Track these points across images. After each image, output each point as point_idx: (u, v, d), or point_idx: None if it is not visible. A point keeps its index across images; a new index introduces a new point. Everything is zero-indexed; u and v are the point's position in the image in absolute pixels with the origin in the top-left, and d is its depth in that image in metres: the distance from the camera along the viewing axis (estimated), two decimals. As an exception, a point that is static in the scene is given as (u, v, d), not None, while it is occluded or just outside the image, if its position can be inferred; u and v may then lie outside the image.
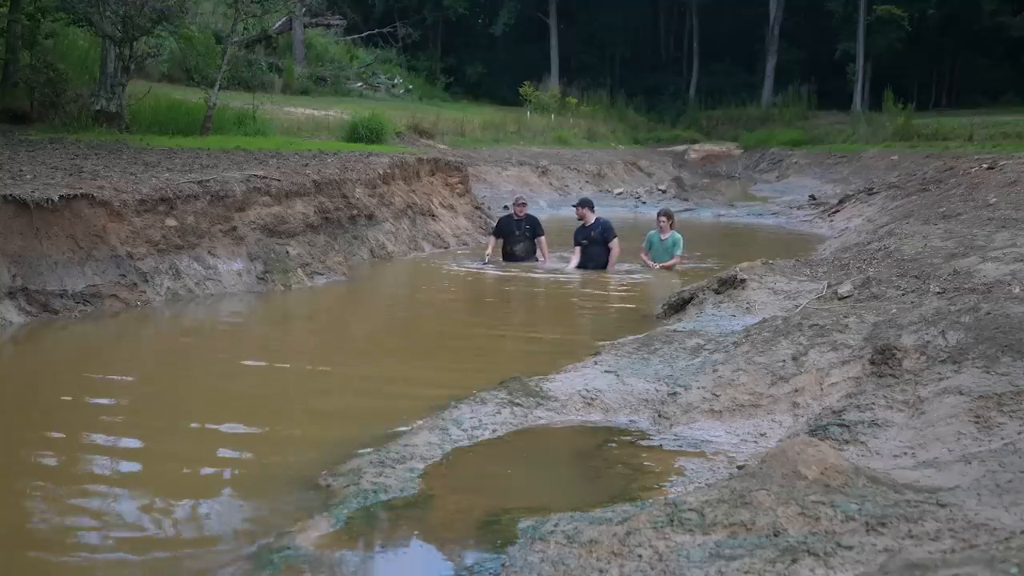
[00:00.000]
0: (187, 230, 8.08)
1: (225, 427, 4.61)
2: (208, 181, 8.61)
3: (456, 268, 10.11)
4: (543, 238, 10.33)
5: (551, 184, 20.09)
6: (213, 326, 7.32)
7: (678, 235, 10.09)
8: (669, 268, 9.86)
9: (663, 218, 10.13)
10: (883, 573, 2.08)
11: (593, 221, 10.02)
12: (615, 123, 31.67)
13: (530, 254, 10.26)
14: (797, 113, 32.73)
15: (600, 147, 26.63)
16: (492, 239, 10.52)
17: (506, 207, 16.31)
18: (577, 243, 10.02)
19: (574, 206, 10.48)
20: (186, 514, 3.54)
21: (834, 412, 4.04)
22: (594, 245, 9.91)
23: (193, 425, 4.63)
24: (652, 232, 10.24)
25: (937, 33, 33.33)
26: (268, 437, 4.52)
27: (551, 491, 3.74)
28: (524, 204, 10.56)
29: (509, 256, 10.31)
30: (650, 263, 9.99)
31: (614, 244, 9.92)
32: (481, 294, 9.14)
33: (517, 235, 10.27)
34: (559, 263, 10.23)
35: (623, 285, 9.29)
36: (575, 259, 9.95)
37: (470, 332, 7.46)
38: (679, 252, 10.02)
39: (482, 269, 9.91)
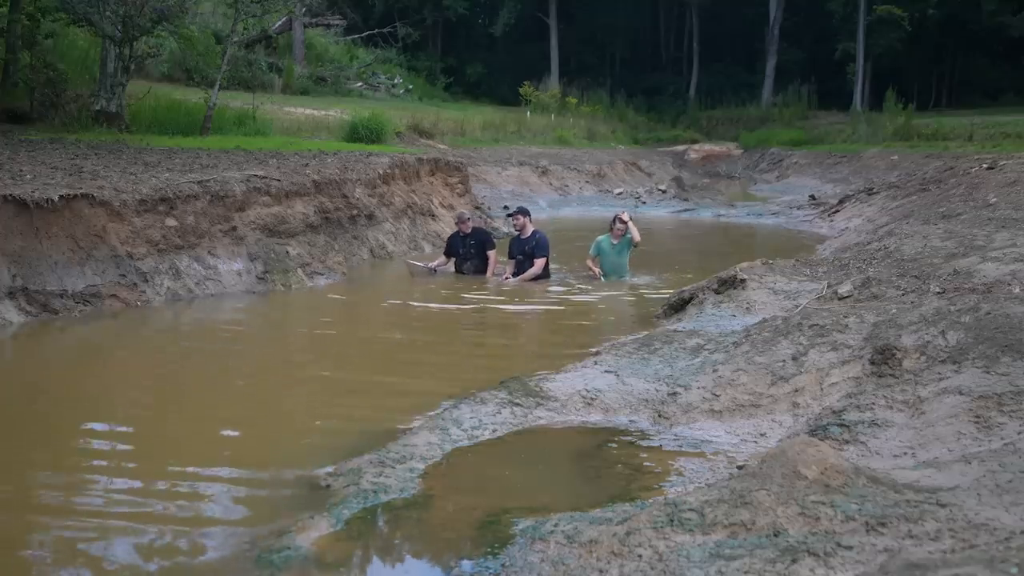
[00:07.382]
0: (187, 230, 8.08)
1: (225, 427, 4.61)
2: (208, 181, 8.61)
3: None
4: (493, 252, 9.60)
5: (551, 184, 20.07)
6: (213, 326, 7.32)
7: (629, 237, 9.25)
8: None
9: (619, 222, 9.20)
10: (883, 573, 2.08)
11: (529, 234, 9.34)
12: (615, 123, 31.66)
13: (481, 271, 9.56)
14: (797, 113, 32.72)
15: (600, 147, 26.62)
16: (443, 257, 9.88)
17: (506, 207, 16.31)
18: (513, 256, 9.40)
19: (509, 215, 9.70)
20: (185, 514, 3.54)
21: (834, 412, 4.04)
22: (528, 260, 9.23)
23: (193, 425, 4.63)
24: (602, 237, 9.37)
25: (937, 33, 33.32)
26: (268, 437, 4.52)
27: (551, 491, 3.74)
28: (466, 220, 9.80)
29: (460, 275, 9.66)
30: (596, 270, 9.23)
31: (540, 262, 9.19)
32: (474, 297, 9.10)
33: (462, 252, 9.62)
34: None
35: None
36: (510, 271, 9.37)
37: (468, 332, 7.45)
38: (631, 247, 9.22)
39: (418, 271, 9.44)
